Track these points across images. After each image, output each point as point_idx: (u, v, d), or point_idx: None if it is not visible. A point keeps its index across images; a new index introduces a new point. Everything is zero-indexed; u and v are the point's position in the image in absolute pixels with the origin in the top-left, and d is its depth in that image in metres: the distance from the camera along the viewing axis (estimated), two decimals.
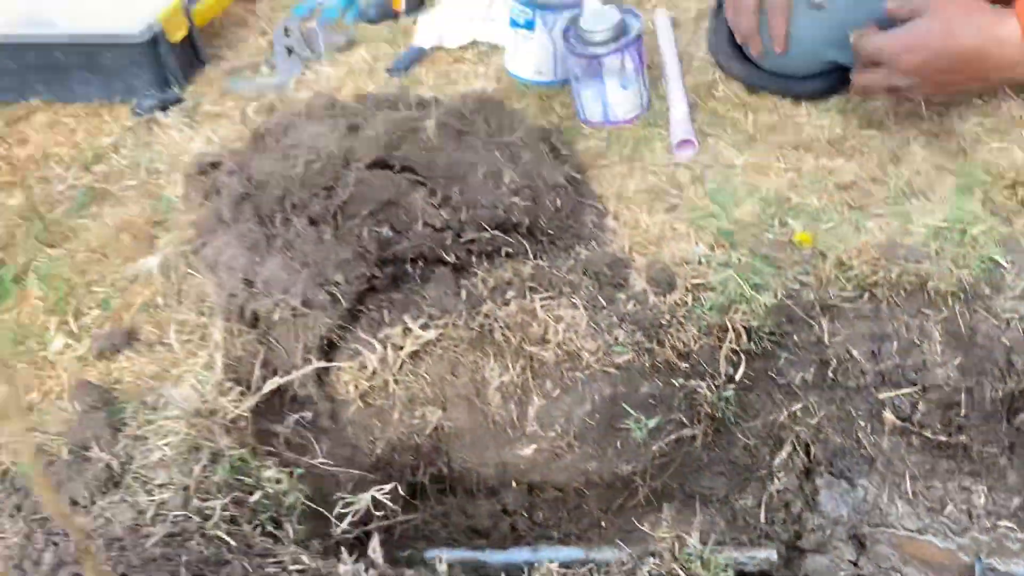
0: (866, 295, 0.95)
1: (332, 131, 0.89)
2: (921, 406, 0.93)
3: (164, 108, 1.31)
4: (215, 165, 0.98)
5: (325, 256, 0.86)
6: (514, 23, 1.22)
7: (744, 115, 1.14)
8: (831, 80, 1.12)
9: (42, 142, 1.29)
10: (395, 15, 1.47)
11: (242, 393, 0.83)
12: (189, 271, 0.94)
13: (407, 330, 0.91)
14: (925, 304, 0.94)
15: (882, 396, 0.94)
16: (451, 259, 0.92)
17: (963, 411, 0.91)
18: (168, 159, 1.21)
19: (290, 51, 1.40)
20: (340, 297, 0.86)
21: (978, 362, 0.91)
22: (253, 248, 0.86)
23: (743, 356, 0.94)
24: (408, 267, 0.92)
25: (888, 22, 0.97)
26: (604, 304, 0.94)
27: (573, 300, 0.94)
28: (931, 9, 0.93)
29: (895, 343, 0.93)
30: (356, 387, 0.92)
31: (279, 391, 0.86)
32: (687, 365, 0.93)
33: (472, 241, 0.92)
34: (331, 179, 0.87)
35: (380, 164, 0.89)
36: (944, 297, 0.92)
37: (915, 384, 0.93)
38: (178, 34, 1.34)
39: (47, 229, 1.10)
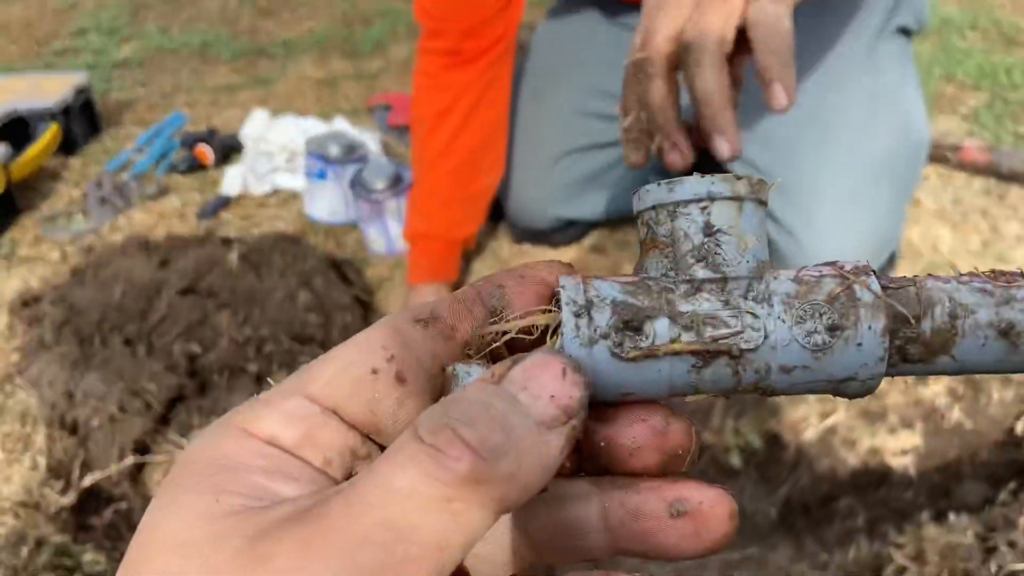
0: None
1: (146, 264, 1.06)
2: None
3: None
4: (37, 299, 1.10)
5: (139, 369, 1.00)
6: (309, 174, 1.45)
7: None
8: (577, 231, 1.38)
9: None
10: (204, 167, 1.66)
11: (63, 490, 0.94)
12: (17, 387, 1.05)
13: None
14: None
15: None
16: (253, 368, 1.09)
17: None
18: None
19: (103, 200, 1.55)
20: (152, 403, 1.00)
21: None
22: (73, 365, 0.99)
23: None
24: (215, 376, 1.07)
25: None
26: None
27: None
28: None
29: None
30: None
31: (98, 490, 0.98)
32: None
33: (272, 353, 1.09)
34: (144, 305, 1.03)
35: (188, 291, 1.06)
36: None
37: None
38: None
39: None
